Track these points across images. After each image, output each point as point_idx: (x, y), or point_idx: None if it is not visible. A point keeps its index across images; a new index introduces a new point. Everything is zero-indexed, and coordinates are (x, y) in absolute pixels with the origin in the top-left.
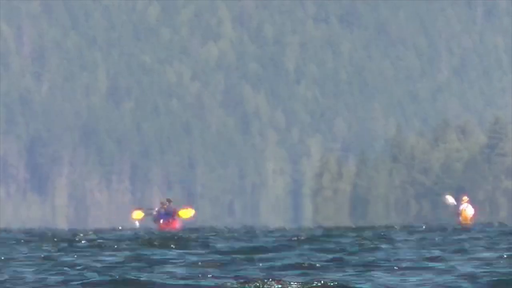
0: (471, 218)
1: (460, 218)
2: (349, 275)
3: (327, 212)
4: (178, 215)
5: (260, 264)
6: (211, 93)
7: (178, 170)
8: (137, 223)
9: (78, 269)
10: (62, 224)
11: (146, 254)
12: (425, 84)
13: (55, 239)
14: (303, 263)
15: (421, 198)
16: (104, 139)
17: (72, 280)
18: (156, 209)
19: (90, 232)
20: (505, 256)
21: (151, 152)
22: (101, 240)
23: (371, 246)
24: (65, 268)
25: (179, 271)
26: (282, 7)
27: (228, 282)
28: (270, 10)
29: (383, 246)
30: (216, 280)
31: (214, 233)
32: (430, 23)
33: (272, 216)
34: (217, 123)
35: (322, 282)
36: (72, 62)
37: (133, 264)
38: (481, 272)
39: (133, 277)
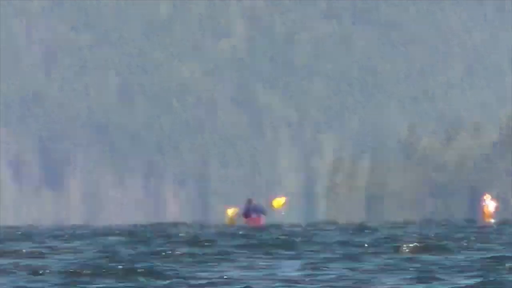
0: (492, 214)
1: (482, 215)
2: None
3: (341, 209)
4: (263, 213)
5: None
6: (224, 90)
7: (191, 167)
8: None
9: None
10: (76, 220)
11: None
12: (438, 82)
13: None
14: None
15: (435, 196)
16: (118, 136)
17: None
18: (243, 206)
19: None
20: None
21: (164, 149)
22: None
23: None
24: None
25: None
26: (293, 3)
27: None
28: (281, 7)
29: None
30: None
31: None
32: (442, 19)
33: (286, 213)
34: (230, 120)
35: None
36: (84, 59)
37: None
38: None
39: None
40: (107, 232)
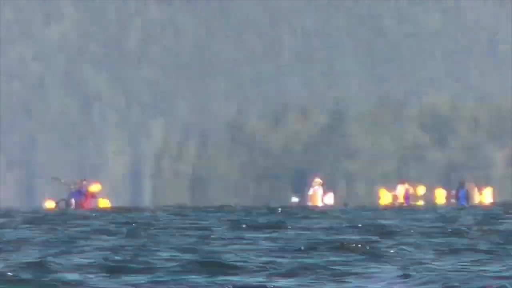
0: (320, 200)
1: (311, 200)
2: None
3: (167, 194)
4: (91, 194)
5: None
6: (52, 75)
7: (18, 151)
8: None
9: None
10: None
11: None
12: (267, 66)
13: None
14: None
15: (260, 180)
16: None
17: None
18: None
19: None
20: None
21: None
22: None
23: None
24: None
25: None
26: None
27: None
28: None
29: None
30: None
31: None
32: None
33: (112, 197)
34: (58, 105)
35: None
36: None
37: None
38: None
39: None
40: None
